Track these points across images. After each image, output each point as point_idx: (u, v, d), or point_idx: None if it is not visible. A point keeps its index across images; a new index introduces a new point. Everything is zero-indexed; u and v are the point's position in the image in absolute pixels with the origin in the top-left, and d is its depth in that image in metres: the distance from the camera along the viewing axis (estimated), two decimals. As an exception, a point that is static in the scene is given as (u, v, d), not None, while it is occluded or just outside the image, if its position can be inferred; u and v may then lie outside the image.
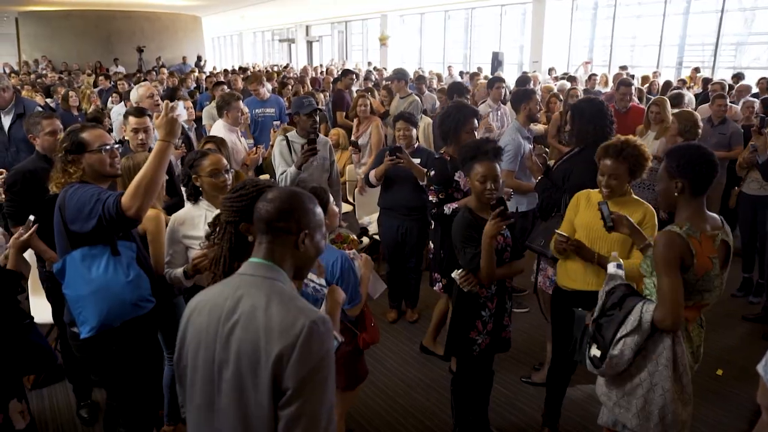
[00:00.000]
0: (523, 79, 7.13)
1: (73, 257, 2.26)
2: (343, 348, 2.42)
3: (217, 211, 1.98)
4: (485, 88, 6.09)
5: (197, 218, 2.64)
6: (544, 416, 3.14)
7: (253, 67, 18.75)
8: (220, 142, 3.64)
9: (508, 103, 5.94)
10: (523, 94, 4.50)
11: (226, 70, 15.56)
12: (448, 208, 3.39)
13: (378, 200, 4.34)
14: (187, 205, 2.74)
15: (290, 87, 9.27)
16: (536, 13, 15.53)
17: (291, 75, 13.73)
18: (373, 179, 4.10)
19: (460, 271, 2.68)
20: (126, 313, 2.31)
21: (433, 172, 3.58)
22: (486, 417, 3.10)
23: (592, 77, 10.03)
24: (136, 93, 4.88)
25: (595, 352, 2.17)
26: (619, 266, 2.27)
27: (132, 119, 3.47)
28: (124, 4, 19.86)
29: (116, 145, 2.47)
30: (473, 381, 2.94)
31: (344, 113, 7.37)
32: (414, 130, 4.07)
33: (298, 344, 1.33)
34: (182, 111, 3.91)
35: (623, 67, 11.53)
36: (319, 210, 1.56)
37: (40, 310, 3.41)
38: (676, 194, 2.15)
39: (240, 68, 17.00)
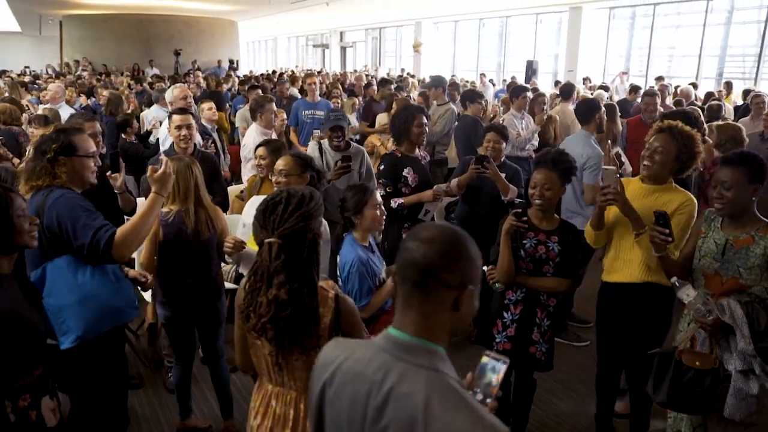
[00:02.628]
0: (568, 87, 6.96)
1: (56, 264, 2.22)
2: None
3: None
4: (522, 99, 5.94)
5: None
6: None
7: (287, 72, 18.94)
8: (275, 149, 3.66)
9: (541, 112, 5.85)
10: (592, 104, 4.30)
11: (262, 75, 15.75)
12: (394, 203, 3.59)
13: (455, 211, 4.20)
14: None
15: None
16: (572, 21, 15.32)
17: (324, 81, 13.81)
18: (454, 188, 3.96)
19: (489, 266, 2.76)
20: (115, 320, 2.32)
21: (382, 166, 3.72)
22: (523, 429, 3.03)
23: (633, 87, 9.64)
24: (171, 94, 4.99)
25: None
26: (680, 284, 2.23)
27: (175, 117, 3.60)
28: (164, 8, 20.32)
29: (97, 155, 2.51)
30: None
31: (367, 124, 7.35)
32: (504, 143, 3.90)
33: None
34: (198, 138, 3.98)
35: (660, 78, 11.26)
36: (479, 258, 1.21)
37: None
38: (754, 199, 2.15)
39: (273, 72, 17.17)
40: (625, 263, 2.70)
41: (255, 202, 2.87)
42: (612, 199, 2.49)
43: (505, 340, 2.78)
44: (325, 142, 4.03)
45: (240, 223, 2.99)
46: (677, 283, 2.27)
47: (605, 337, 2.92)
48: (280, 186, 2.67)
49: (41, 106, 7.00)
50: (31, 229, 1.83)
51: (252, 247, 2.55)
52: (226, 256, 2.72)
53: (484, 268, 2.78)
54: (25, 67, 20.62)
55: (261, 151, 3.55)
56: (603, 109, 4.21)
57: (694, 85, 10.50)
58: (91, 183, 2.45)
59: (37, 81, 14.19)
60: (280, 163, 2.73)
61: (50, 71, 18.97)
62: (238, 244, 2.55)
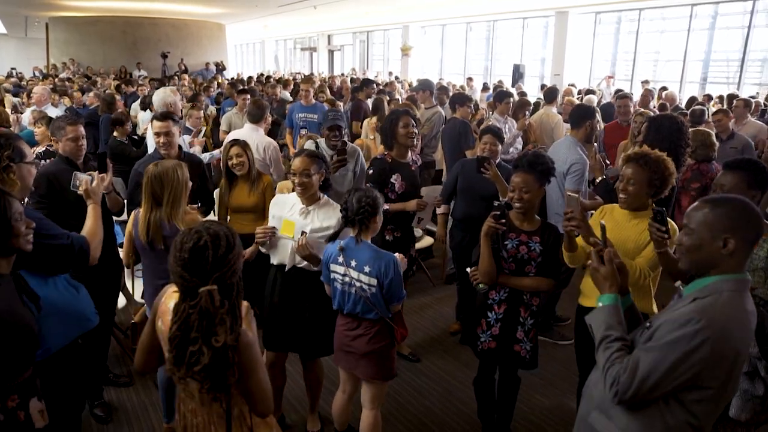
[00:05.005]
0: (551, 91, 7.05)
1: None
2: (385, 341, 2.67)
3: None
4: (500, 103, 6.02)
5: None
6: None
7: (274, 75, 18.94)
8: (243, 145, 3.68)
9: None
10: (585, 111, 4.26)
11: (250, 77, 15.74)
12: None
13: (453, 211, 4.23)
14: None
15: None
16: (559, 25, 15.49)
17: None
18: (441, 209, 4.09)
19: (472, 267, 2.82)
20: (83, 327, 2.35)
21: (372, 171, 3.75)
22: (507, 426, 3.09)
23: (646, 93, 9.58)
24: (157, 97, 5.01)
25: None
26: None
27: (155, 123, 3.57)
28: (151, 11, 20.23)
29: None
30: (483, 377, 3.04)
31: (360, 123, 7.39)
32: (500, 146, 3.94)
33: None
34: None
35: (645, 82, 11.44)
36: None
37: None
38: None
39: (264, 77, 17.17)
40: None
41: (278, 200, 3.03)
42: (575, 227, 2.49)
43: (489, 339, 2.83)
44: (322, 142, 4.04)
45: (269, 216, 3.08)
46: (682, 288, 2.27)
47: (585, 360, 2.85)
48: (304, 186, 2.78)
49: (29, 109, 6.96)
50: (27, 232, 1.85)
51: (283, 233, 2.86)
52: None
53: (468, 269, 2.85)
54: (12, 68, 20.42)
55: (235, 149, 3.63)
56: (597, 119, 4.18)
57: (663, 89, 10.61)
58: (31, 189, 2.46)
59: (22, 83, 14.06)
60: (299, 165, 2.80)
61: (38, 74, 18.80)
62: (269, 230, 2.83)
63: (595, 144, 4.13)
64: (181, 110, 5.83)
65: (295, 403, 3.45)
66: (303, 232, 2.77)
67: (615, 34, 15.80)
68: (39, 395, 1.92)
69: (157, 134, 3.53)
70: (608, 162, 4.49)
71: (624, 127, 5.47)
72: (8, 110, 6.77)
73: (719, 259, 1.63)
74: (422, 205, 3.72)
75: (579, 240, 2.64)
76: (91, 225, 2.51)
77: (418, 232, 5.13)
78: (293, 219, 2.85)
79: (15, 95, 10.32)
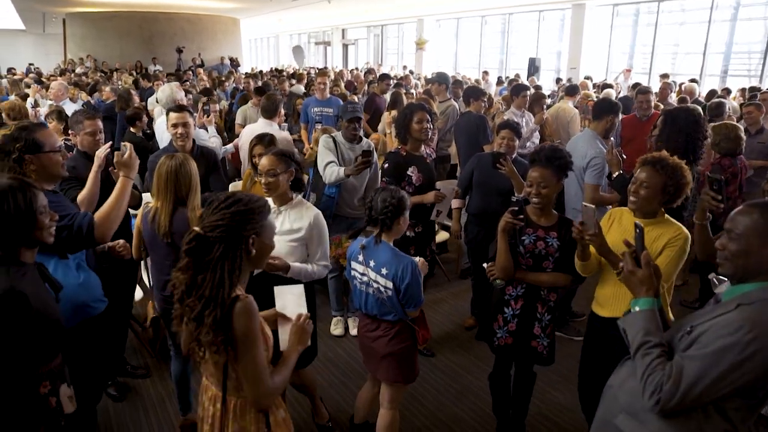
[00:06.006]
0: (573, 87, 6.99)
1: None
2: (406, 343, 2.63)
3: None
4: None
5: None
6: None
7: (287, 69, 18.96)
8: (268, 143, 3.69)
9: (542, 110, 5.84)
10: (609, 105, 4.24)
11: (261, 71, 15.78)
12: None
13: (468, 205, 4.21)
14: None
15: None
16: (575, 19, 15.32)
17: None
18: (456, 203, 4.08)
19: (489, 262, 2.78)
20: (78, 316, 2.32)
21: (387, 165, 3.74)
22: (522, 422, 3.07)
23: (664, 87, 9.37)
24: (164, 93, 5.07)
25: None
26: (718, 281, 2.10)
27: (172, 114, 3.61)
28: (167, 6, 20.34)
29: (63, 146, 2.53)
30: (498, 372, 3.02)
31: (368, 116, 7.34)
32: (517, 141, 3.92)
33: None
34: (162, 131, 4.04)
35: (664, 75, 11.25)
36: None
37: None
38: None
39: (276, 70, 17.20)
40: (614, 298, 2.61)
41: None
42: (589, 239, 2.43)
43: (506, 335, 2.80)
44: (339, 135, 4.02)
45: None
46: (715, 280, 2.17)
47: (587, 366, 2.83)
48: (269, 186, 2.67)
49: (47, 102, 7.05)
50: (50, 225, 1.88)
51: None
52: None
53: (484, 264, 2.82)
54: (30, 64, 20.66)
55: (258, 149, 3.66)
56: (617, 113, 4.14)
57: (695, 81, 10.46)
58: (63, 176, 2.48)
59: (42, 79, 14.22)
60: (266, 164, 2.68)
61: (56, 70, 19.01)
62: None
63: (612, 138, 4.07)
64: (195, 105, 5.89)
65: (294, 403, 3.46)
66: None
67: (633, 27, 15.56)
68: (68, 382, 1.96)
69: (175, 126, 3.56)
70: (624, 156, 4.44)
71: (643, 122, 5.38)
72: (29, 104, 6.85)
73: (766, 265, 1.58)
74: (440, 197, 3.70)
75: (592, 249, 2.56)
76: (111, 200, 2.43)
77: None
78: None
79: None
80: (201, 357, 1.72)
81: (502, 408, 3.08)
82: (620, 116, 4.46)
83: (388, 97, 7.20)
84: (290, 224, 2.72)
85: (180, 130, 3.56)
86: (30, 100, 7.71)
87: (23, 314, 1.70)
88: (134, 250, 2.93)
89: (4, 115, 5.38)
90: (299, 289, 2.14)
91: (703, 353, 1.54)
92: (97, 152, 2.79)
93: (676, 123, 3.22)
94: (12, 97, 7.34)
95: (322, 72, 7.51)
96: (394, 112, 6.12)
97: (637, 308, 1.73)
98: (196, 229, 1.67)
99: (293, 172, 2.75)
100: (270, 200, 2.70)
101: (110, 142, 2.88)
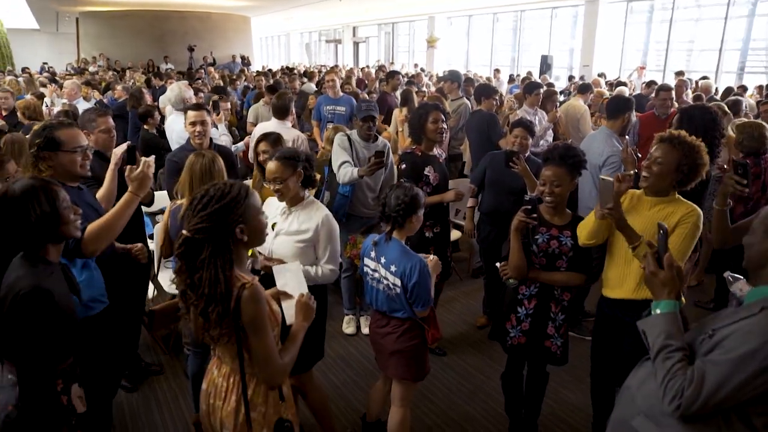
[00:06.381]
0: (586, 85, 6.94)
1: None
2: (414, 341, 2.61)
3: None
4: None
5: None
6: None
7: (298, 66, 19.00)
8: (273, 141, 3.67)
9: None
10: (624, 102, 4.20)
11: (271, 70, 15.82)
12: None
13: (480, 204, 4.18)
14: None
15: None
16: (588, 15, 15.18)
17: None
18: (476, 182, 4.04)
19: (502, 261, 2.76)
20: (87, 312, 2.33)
21: (404, 166, 3.72)
22: (535, 421, 3.05)
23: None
24: (173, 93, 5.10)
25: None
26: (733, 278, 2.09)
27: (190, 113, 3.62)
28: (178, 5, 20.47)
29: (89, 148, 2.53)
30: (511, 372, 3.01)
31: (382, 117, 7.33)
32: (531, 139, 3.89)
33: None
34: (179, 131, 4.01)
35: (680, 73, 11.13)
36: None
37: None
38: None
39: (287, 68, 17.23)
40: (623, 278, 2.60)
41: (270, 201, 2.79)
42: (608, 212, 2.40)
43: (519, 335, 2.79)
44: (354, 134, 4.01)
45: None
46: (730, 278, 2.16)
47: (599, 354, 2.84)
48: (280, 192, 2.59)
49: (60, 100, 7.11)
50: (75, 218, 1.89)
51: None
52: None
53: (497, 264, 2.80)
54: (44, 63, 20.87)
55: (263, 145, 3.61)
56: (632, 110, 4.09)
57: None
58: (83, 176, 2.49)
59: (56, 78, 14.36)
60: (272, 171, 2.59)
61: (70, 69, 19.20)
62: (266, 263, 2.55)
63: (627, 137, 4.03)
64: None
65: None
66: (259, 253, 2.57)
67: (647, 23, 15.39)
68: (79, 381, 1.97)
69: (193, 124, 3.58)
70: (639, 155, 4.39)
71: (662, 120, 5.31)
72: (45, 102, 6.93)
73: None
74: (460, 195, 3.70)
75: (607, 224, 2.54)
76: (108, 215, 2.33)
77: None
78: (276, 220, 2.67)
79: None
80: (213, 343, 1.83)
81: (515, 408, 3.06)
82: (635, 113, 4.42)
83: (399, 94, 7.19)
84: (298, 225, 2.63)
85: (198, 128, 3.58)
86: (46, 100, 7.79)
87: (48, 312, 1.72)
88: (158, 248, 2.92)
89: (19, 113, 5.43)
90: (296, 265, 2.27)
91: (726, 358, 1.50)
92: (114, 150, 2.79)
93: (692, 121, 3.19)
94: (27, 96, 7.40)
95: (332, 69, 7.52)
96: (405, 110, 6.12)
97: (657, 311, 1.69)
98: (184, 232, 1.70)
99: (301, 172, 2.62)
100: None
101: (128, 141, 2.89)
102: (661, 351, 1.63)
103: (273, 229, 2.63)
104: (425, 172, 3.69)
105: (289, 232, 2.62)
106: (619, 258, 2.60)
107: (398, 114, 6.28)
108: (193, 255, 1.69)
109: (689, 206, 2.46)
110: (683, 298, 2.49)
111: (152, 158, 2.50)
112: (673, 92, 5.63)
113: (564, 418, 3.32)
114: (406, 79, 9.30)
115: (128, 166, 2.46)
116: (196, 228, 1.68)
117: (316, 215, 2.63)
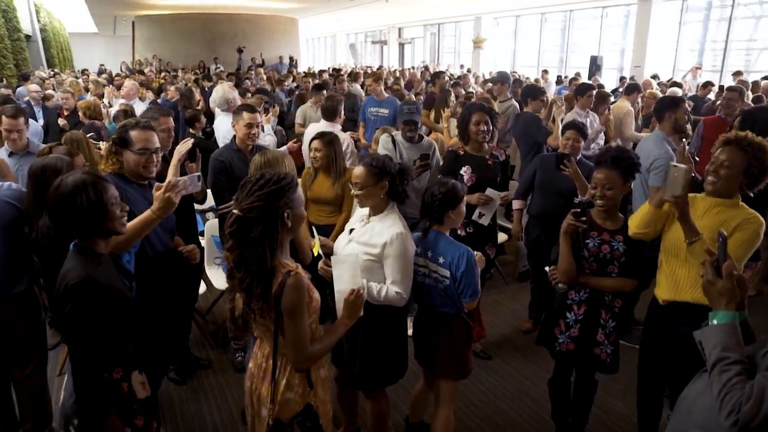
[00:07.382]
0: (632, 86, 6.75)
1: None
2: (459, 338, 2.62)
3: None
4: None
5: None
6: None
7: (345, 67, 19.16)
8: (327, 140, 3.67)
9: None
10: (669, 102, 4.05)
11: (321, 71, 16.00)
12: None
13: (530, 207, 4.14)
14: None
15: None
16: (641, 14, 14.72)
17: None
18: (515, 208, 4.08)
19: (551, 266, 2.72)
20: None
21: (442, 163, 3.77)
22: (582, 430, 2.99)
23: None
24: (218, 94, 5.21)
25: None
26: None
27: (246, 115, 3.64)
28: (228, 8, 20.99)
29: (158, 152, 2.63)
30: (559, 378, 2.97)
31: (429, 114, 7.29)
32: (582, 142, 3.80)
33: None
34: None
35: (738, 73, 10.66)
36: None
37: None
38: None
39: (335, 70, 17.40)
40: (676, 280, 2.52)
41: (361, 212, 2.67)
42: (673, 201, 2.33)
43: (568, 341, 2.74)
44: (398, 135, 4.04)
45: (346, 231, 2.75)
46: None
47: (647, 358, 2.77)
48: (358, 198, 2.53)
49: (119, 101, 7.40)
50: (122, 215, 1.96)
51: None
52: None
53: (546, 268, 2.76)
54: (101, 65, 21.77)
55: (316, 143, 3.63)
56: (680, 108, 3.92)
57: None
58: (146, 176, 2.61)
59: (114, 78, 14.95)
60: (355, 174, 2.53)
61: (124, 69, 19.95)
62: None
63: (684, 141, 3.88)
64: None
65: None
66: (319, 254, 2.58)
67: (704, 22, 14.81)
68: (140, 368, 2.05)
69: (249, 125, 3.62)
70: (697, 159, 4.21)
71: (728, 123, 5.08)
72: (103, 102, 7.22)
73: None
74: (482, 200, 3.64)
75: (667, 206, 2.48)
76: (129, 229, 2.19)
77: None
78: (355, 226, 2.62)
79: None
80: (254, 319, 1.93)
81: (562, 415, 3.01)
82: (687, 110, 4.25)
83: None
84: (369, 237, 2.49)
85: (254, 130, 3.66)
86: (105, 100, 8.13)
87: (97, 301, 1.79)
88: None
89: (80, 113, 5.69)
90: (354, 257, 2.29)
91: None
92: (177, 147, 2.90)
93: (756, 123, 3.05)
94: (89, 97, 7.74)
95: (374, 74, 7.51)
96: (448, 111, 6.11)
97: (715, 321, 1.62)
98: (236, 211, 1.80)
99: (386, 185, 2.50)
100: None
101: (191, 138, 2.99)
102: (717, 363, 1.56)
103: (350, 234, 2.61)
104: (461, 172, 3.68)
105: (360, 242, 2.51)
106: (675, 257, 2.52)
107: (446, 113, 6.26)
108: (244, 233, 1.79)
109: (750, 213, 2.37)
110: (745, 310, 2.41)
111: (189, 177, 2.49)
112: (739, 94, 5.36)
113: (612, 427, 3.24)
114: (452, 81, 9.23)
115: (189, 163, 2.56)
116: (250, 206, 1.78)
117: (387, 231, 2.45)
